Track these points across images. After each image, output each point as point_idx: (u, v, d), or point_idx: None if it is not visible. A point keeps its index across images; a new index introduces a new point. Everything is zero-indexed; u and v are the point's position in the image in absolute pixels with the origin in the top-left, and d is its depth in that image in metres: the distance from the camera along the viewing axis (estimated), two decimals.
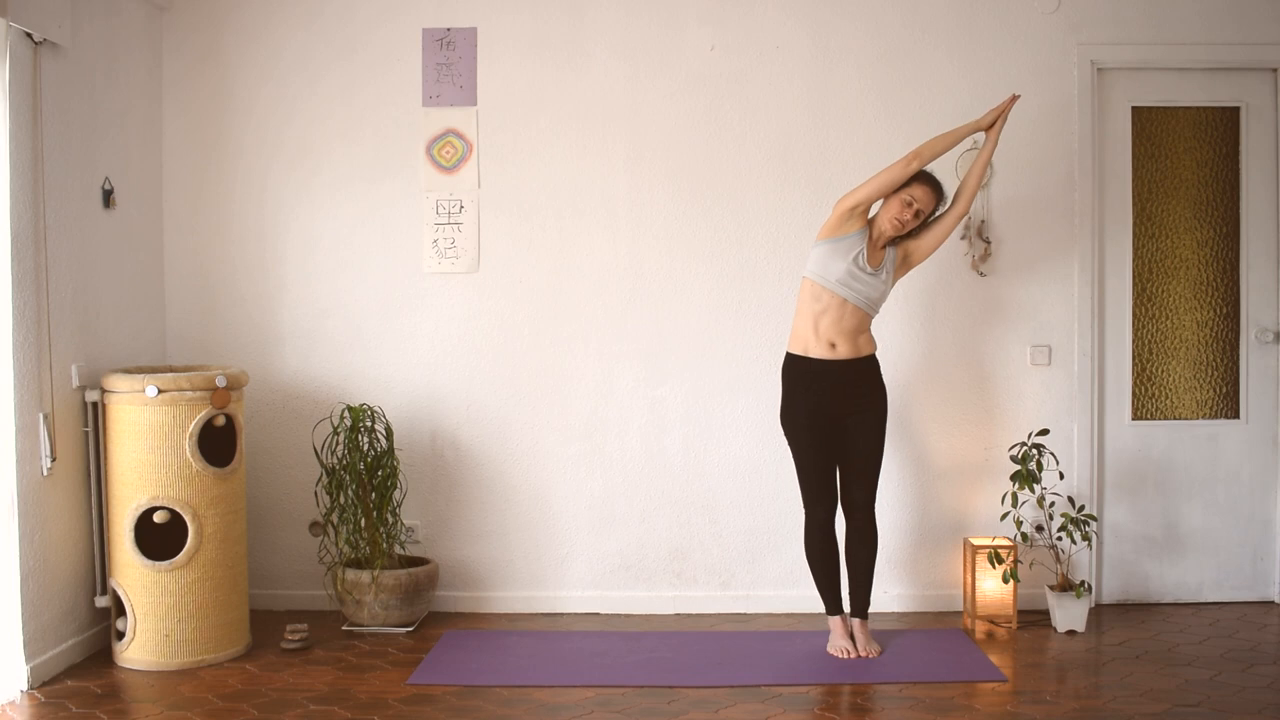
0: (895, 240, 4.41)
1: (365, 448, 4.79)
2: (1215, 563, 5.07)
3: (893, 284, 4.43)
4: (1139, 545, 5.07)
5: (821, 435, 4.39)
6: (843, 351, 4.35)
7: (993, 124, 4.39)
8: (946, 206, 4.43)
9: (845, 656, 4.38)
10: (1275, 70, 5.01)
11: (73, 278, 4.37)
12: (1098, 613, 4.93)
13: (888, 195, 4.33)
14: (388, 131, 5.04)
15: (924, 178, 4.34)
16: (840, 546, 4.50)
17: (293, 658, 4.44)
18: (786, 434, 4.45)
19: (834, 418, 4.39)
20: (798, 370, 4.40)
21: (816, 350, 4.35)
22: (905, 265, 4.46)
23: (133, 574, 4.29)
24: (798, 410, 4.40)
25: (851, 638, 4.45)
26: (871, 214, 4.41)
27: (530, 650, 4.51)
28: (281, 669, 4.32)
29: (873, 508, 4.46)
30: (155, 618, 4.28)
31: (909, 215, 4.31)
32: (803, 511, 4.47)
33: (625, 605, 5.02)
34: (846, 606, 4.52)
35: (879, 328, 4.96)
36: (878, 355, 4.50)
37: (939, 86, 4.96)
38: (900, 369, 4.99)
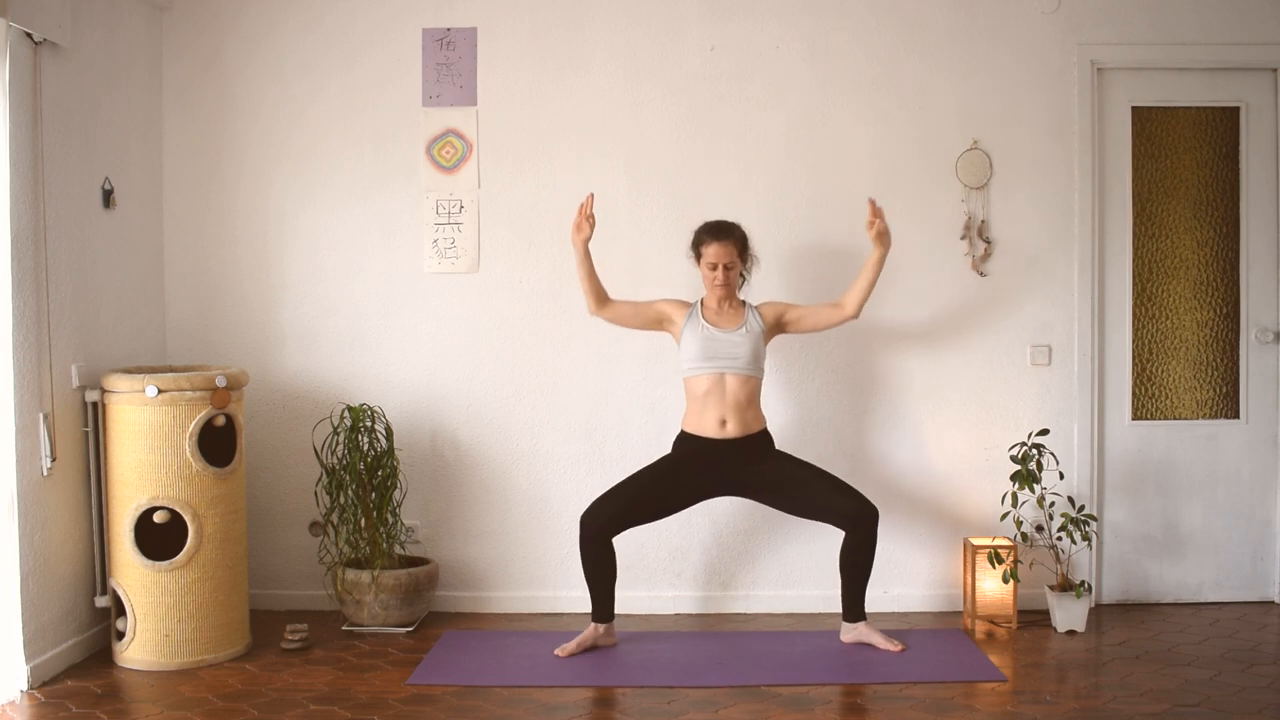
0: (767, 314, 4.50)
1: (365, 448, 4.79)
2: (1215, 563, 5.07)
3: (765, 340, 4.49)
4: (1139, 545, 5.07)
5: (673, 497, 4.46)
6: (733, 429, 4.39)
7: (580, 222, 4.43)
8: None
9: (562, 655, 4.36)
10: (1275, 70, 5.01)
11: (73, 278, 4.37)
12: (1098, 613, 4.93)
13: (699, 264, 4.49)
14: (388, 131, 5.04)
15: (705, 234, 4.48)
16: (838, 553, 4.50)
17: (293, 658, 4.44)
18: (648, 466, 4.49)
19: (711, 492, 4.48)
20: (687, 445, 4.47)
21: (707, 429, 4.41)
22: (779, 327, 4.53)
23: (133, 574, 4.29)
24: (672, 466, 4.46)
25: (593, 647, 4.46)
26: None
27: (530, 650, 4.51)
28: (281, 669, 4.32)
29: (873, 513, 4.39)
30: (155, 618, 4.28)
31: (721, 274, 4.44)
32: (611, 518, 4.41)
33: (625, 605, 4.99)
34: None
35: (883, 327, 4.96)
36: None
37: (939, 86, 4.96)
38: (900, 369, 5.00)
